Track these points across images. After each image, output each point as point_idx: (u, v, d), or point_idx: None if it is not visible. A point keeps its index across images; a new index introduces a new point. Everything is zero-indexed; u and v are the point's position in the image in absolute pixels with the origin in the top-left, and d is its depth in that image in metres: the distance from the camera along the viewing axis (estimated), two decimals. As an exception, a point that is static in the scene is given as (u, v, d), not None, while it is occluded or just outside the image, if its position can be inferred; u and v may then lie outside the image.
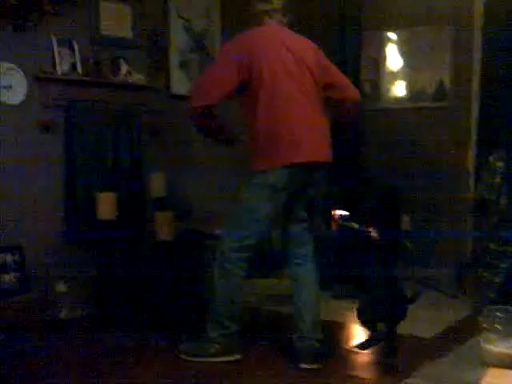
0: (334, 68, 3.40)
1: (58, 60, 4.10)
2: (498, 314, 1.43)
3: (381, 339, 3.30)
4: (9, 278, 3.89)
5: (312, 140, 3.19)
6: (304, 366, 3.23)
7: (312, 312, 3.34)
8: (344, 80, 3.43)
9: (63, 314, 4.10)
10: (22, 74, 3.96)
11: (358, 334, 3.75)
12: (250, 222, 3.25)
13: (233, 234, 3.28)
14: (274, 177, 3.15)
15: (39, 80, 4.04)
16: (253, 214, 3.23)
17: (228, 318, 3.30)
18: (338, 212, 4.77)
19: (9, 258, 3.91)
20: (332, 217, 4.80)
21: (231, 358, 3.32)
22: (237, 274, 3.28)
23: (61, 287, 4.11)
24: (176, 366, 3.32)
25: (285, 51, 3.19)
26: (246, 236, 3.26)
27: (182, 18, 4.90)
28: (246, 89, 3.18)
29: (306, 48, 3.31)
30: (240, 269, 3.28)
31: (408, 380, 1.86)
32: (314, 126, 3.21)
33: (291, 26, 3.37)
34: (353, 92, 3.45)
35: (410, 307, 3.21)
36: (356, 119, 3.53)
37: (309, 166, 3.19)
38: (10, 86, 3.92)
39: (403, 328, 3.84)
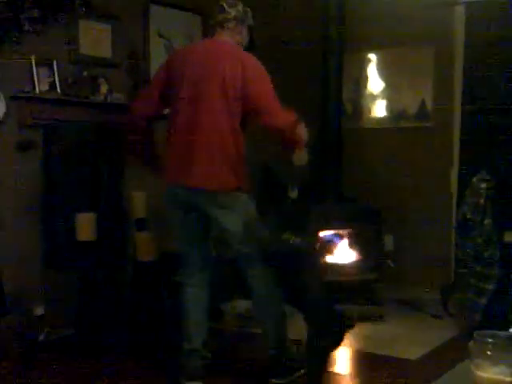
0: (258, 87, 3.23)
1: (36, 79, 4.05)
2: (488, 339, 1.39)
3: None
4: (-15, 301, 3.80)
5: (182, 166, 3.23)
6: None
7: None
8: (263, 103, 3.23)
9: (42, 337, 4.03)
10: (-1, 93, 3.90)
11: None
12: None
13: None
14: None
15: (17, 99, 3.98)
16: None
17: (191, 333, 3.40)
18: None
19: (-15, 280, 3.82)
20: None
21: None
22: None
23: (39, 310, 4.04)
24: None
25: (193, 69, 3.25)
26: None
27: (162, 36, 4.88)
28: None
29: (229, 62, 3.23)
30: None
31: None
32: (200, 154, 3.18)
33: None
34: (273, 119, 3.23)
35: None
36: (286, 142, 3.33)
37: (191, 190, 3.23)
38: (-12, 106, 3.86)
39: (389, 350, 3.83)
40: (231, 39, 3.37)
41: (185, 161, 3.20)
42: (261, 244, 3.25)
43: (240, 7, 3.41)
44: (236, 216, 3.24)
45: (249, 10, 3.47)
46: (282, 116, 3.21)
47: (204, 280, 3.43)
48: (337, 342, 3.08)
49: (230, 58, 3.25)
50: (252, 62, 3.26)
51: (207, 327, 3.48)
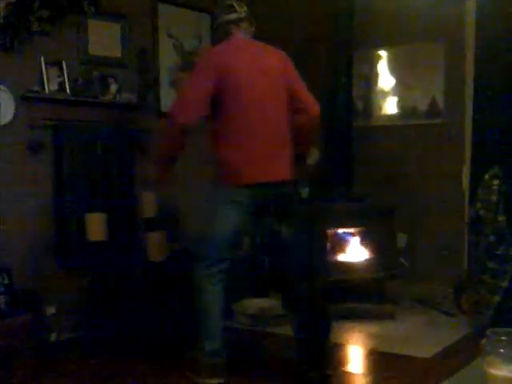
0: (298, 80, 3.38)
1: (46, 80, 4.06)
2: (501, 336, 1.37)
3: None
4: (-3, 301, 3.81)
5: (263, 162, 3.23)
6: None
7: None
8: (304, 93, 3.37)
9: (54, 337, 4.05)
10: (9, 93, 3.91)
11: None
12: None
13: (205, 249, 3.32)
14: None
15: (27, 100, 4.00)
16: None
17: (213, 335, 3.30)
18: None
19: (-3, 280, 3.84)
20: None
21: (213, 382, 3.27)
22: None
23: (51, 310, 4.06)
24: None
25: (250, 64, 3.25)
26: (209, 254, 3.30)
27: (171, 36, 4.88)
28: (216, 107, 3.22)
29: (273, 58, 3.33)
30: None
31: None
32: (270, 149, 3.24)
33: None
34: (309, 104, 3.36)
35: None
36: (313, 137, 3.48)
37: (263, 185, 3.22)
38: (-2, 106, 3.87)
39: (402, 348, 3.81)
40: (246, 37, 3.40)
41: (268, 158, 3.23)
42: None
43: (246, 8, 3.42)
44: None
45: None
46: (318, 107, 3.36)
47: (224, 280, 3.38)
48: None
49: (278, 58, 3.35)
50: (289, 59, 3.38)
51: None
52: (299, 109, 3.34)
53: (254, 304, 4.65)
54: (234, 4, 3.37)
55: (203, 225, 3.35)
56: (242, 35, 3.36)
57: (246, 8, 3.39)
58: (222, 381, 3.27)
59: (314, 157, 3.82)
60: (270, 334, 4.21)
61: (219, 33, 3.43)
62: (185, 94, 3.28)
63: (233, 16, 3.35)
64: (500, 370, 1.36)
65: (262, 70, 3.25)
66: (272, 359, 3.69)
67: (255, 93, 3.21)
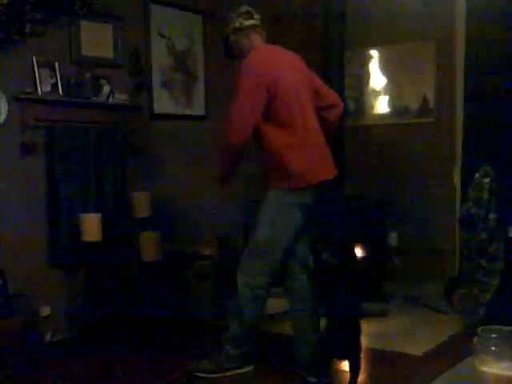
0: (318, 78, 3.55)
1: (38, 81, 4.06)
2: (493, 334, 1.40)
3: None
4: (-9, 302, 3.81)
5: (320, 161, 3.36)
6: None
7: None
8: (328, 89, 3.54)
9: (47, 338, 4.06)
10: (2, 95, 3.90)
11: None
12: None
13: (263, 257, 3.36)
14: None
15: (20, 101, 3.99)
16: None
17: (250, 337, 3.44)
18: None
19: (-10, 282, 3.83)
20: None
21: (245, 370, 3.47)
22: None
23: (45, 310, 4.06)
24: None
25: (291, 71, 3.36)
26: (276, 258, 3.36)
27: (163, 36, 4.88)
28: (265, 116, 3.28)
29: (300, 62, 3.48)
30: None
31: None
32: (320, 148, 3.39)
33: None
34: (337, 98, 3.55)
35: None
36: (335, 129, 3.64)
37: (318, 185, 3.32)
38: (-10, 108, 3.87)
39: (394, 346, 3.83)
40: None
41: (321, 157, 3.37)
42: None
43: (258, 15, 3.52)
44: None
45: None
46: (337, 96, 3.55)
47: None
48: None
49: (299, 59, 3.48)
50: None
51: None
52: (329, 105, 3.47)
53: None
54: (251, 11, 3.47)
55: (262, 232, 3.35)
56: (260, 40, 3.45)
57: (258, 15, 3.49)
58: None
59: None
60: (269, 333, 4.20)
61: (237, 37, 3.44)
62: (240, 117, 3.24)
63: (251, 22, 3.43)
64: (491, 368, 1.38)
65: (297, 72, 3.38)
66: (270, 359, 3.70)
67: (297, 95, 3.31)
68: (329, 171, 3.38)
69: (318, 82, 3.51)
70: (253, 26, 3.43)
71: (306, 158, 3.27)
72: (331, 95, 3.52)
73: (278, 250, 3.32)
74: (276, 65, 3.32)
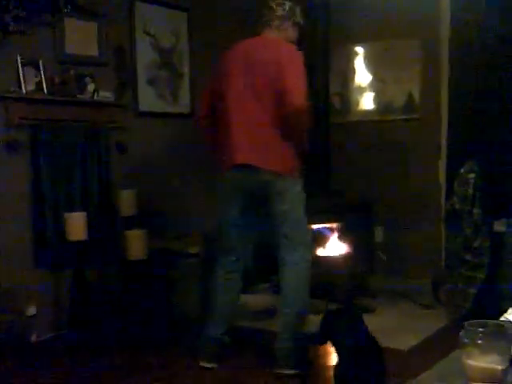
0: (291, 74, 3.38)
1: (22, 79, 4.03)
2: (479, 328, 1.41)
3: None
4: (-24, 302, 3.79)
5: (248, 147, 3.42)
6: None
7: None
8: (289, 86, 3.35)
9: (34, 338, 4.03)
10: (-15, 93, 3.88)
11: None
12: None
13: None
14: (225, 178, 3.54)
15: (4, 100, 3.96)
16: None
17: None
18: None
19: (-24, 282, 3.81)
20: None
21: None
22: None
23: (30, 310, 4.03)
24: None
25: (240, 66, 3.46)
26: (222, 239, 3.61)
27: (148, 34, 4.86)
28: None
29: (268, 52, 3.44)
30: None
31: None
32: (252, 137, 3.42)
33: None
34: (291, 99, 3.33)
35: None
36: (298, 133, 3.50)
37: (247, 169, 3.40)
38: (-26, 106, 3.84)
39: (381, 340, 3.84)
40: (278, 36, 3.53)
41: (241, 146, 3.49)
42: None
43: (287, 6, 3.56)
44: None
45: (297, 8, 3.60)
46: (301, 97, 3.36)
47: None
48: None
49: (274, 52, 3.44)
50: (291, 54, 3.44)
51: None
52: (284, 101, 3.35)
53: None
54: (273, 5, 3.56)
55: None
56: (269, 34, 3.55)
57: (286, 6, 3.57)
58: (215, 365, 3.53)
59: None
60: (259, 330, 4.21)
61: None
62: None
63: (267, 17, 3.56)
64: (478, 361, 1.39)
65: (247, 71, 3.44)
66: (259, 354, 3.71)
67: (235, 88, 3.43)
68: (246, 159, 3.41)
69: (287, 79, 3.36)
70: (266, 22, 3.57)
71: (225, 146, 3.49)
72: (289, 92, 3.34)
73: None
74: (226, 59, 3.59)
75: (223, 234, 3.63)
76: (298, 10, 3.60)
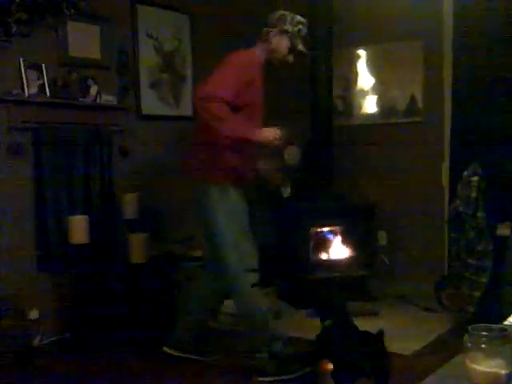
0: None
1: (25, 82, 4.04)
2: (483, 332, 1.39)
3: None
4: (-22, 306, 3.78)
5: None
6: None
7: None
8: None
9: (37, 341, 4.03)
10: (-12, 96, 3.88)
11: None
12: None
13: None
14: None
15: (6, 103, 3.96)
16: None
17: None
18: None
19: (-22, 286, 3.81)
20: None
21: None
22: None
23: (33, 314, 4.03)
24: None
25: None
26: None
27: (150, 37, 4.86)
28: None
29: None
30: None
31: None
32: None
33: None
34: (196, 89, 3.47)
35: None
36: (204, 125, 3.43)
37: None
38: (-23, 109, 3.84)
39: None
40: (260, 48, 3.50)
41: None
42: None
43: (278, 14, 3.50)
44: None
45: (290, 16, 3.51)
46: (206, 88, 3.24)
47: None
48: None
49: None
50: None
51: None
52: None
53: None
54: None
55: None
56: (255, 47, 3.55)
57: (276, 14, 3.56)
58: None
59: (294, 157, 3.82)
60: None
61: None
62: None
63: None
64: (482, 366, 1.38)
65: None
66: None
67: None
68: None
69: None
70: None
71: None
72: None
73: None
74: None
75: None
76: (290, 18, 3.49)
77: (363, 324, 4.24)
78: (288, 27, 3.47)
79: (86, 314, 4.11)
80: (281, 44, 3.48)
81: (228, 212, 3.43)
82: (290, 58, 3.53)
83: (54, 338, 4.16)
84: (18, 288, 3.96)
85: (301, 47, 3.50)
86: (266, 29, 3.49)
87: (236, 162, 3.43)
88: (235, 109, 3.27)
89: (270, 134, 3.33)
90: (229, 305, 4.19)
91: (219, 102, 3.19)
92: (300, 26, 3.50)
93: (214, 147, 3.41)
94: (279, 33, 3.47)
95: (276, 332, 3.54)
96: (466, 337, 1.41)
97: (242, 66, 3.37)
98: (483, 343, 1.39)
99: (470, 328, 1.42)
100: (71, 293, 4.16)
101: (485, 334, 1.40)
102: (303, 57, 3.60)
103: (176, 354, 3.73)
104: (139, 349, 3.95)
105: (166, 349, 3.75)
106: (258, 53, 3.50)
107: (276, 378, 3.39)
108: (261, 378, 3.42)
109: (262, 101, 3.53)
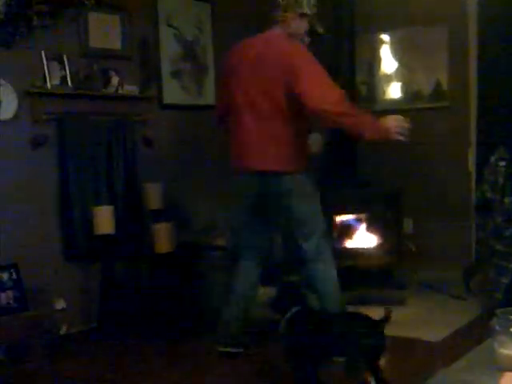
0: (301, 72, 3.26)
1: (47, 74, 4.05)
2: (511, 316, 1.36)
3: None
4: (6, 296, 3.81)
5: (253, 151, 3.39)
6: None
7: None
8: (304, 87, 3.22)
9: (63, 331, 4.07)
10: (11, 89, 3.90)
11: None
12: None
13: None
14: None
15: (30, 95, 3.99)
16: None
17: None
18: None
19: (5, 276, 3.83)
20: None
21: None
22: None
23: (59, 304, 4.06)
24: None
25: (244, 64, 3.40)
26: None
27: (171, 26, 4.85)
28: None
29: (274, 58, 3.33)
30: None
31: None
32: (256, 139, 3.38)
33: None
34: (309, 101, 3.22)
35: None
36: (337, 126, 3.53)
37: (256, 175, 3.39)
38: (0, 102, 3.85)
39: (411, 332, 3.80)
40: (282, 31, 3.42)
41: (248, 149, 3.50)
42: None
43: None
44: None
45: None
46: (317, 99, 3.28)
47: None
48: None
49: (277, 51, 3.36)
50: (296, 52, 3.35)
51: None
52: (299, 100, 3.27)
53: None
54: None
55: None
56: (273, 30, 3.46)
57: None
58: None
59: (317, 144, 3.79)
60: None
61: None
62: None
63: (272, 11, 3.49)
64: (511, 350, 1.35)
65: (252, 70, 3.37)
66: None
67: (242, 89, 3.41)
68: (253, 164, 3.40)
69: (297, 77, 3.25)
70: (272, 17, 3.49)
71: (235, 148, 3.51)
72: (300, 92, 3.23)
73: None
74: (231, 57, 3.57)
75: (239, 233, 3.67)
76: (307, 1, 3.43)
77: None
78: (306, 10, 3.43)
79: (112, 303, 4.13)
80: (301, 28, 3.45)
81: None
82: (307, 40, 3.49)
83: (81, 328, 4.18)
84: (44, 278, 4.00)
85: (320, 29, 3.49)
86: (282, 13, 3.43)
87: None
88: None
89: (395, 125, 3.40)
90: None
91: (344, 101, 3.28)
92: (315, 9, 3.49)
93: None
94: (299, 16, 3.42)
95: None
96: (494, 321, 1.38)
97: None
98: (512, 327, 1.36)
99: (498, 312, 1.39)
100: (97, 283, 4.19)
101: (514, 317, 1.37)
102: (319, 38, 3.56)
103: (234, 351, 3.56)
104: (164, 337, 3.95)
105: (220, 348, 3.57)
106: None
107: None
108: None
109: None
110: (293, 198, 3.37)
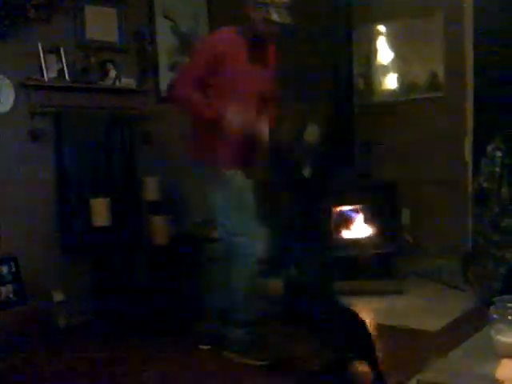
0: None
1: (44, 67, 4.04)
2: (509, 304, 1.37)
3: None
4: (5, 289, 3.82)
5: None
6: None
7: None
8: None
9: (62, 323, 4.06)
10: (8, 82, 3.90)
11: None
12: None
13: None
14: None
15: (26, 87, 3.99)
16: None
17: None
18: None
19: (4, 269, 3.85)
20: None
21: None
22: None
23: (58, 296, 4.07)
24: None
25: None
26: None
27: (168, 18, 4.84)
28: None
29: None
30: None
31: (420, 375, 1.80)
32: None
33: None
34: None
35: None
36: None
37: None
38: (-3, 95, 3.86)
39: (409, 322, 3.82)
40: (241, 25, 3.43)
41: None
42: None
43: None
44: None
45: None
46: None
47: None
48: None
49: None
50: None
51: None
52: None
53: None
54: None
55: None
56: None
57: None
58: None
59: (313, 134, 3.79)
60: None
61: None
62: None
63: None
64: (508, 337, 1.36)
65: None
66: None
67: None
68: None
69: None
70: None
71: None
72: None
73: None
74: None
75: None
76: None
77: (388, 302, 4.29)
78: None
79: (108, 296, 4.14)
80: (257, 16, 3.36)
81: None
82: (266, 28, 3.38)
83: (79, 320, 4.18)
84: (42, 271, 4.01)
85: (275, 17, 3.34)
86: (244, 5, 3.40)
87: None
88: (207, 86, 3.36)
89: (237, 119, 3.31)
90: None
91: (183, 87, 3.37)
92: None
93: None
94: (254, 6, 3.36)
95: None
96: (491, 309, 1.39)
97: (208, 44, 3.48)
98: (509, 314, 1.37)
99: (496, 299, 1.40)
100: (94, 275, 4.19)
101: (511, 305, 1.38)
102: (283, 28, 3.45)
103: (238, 358, 3.44)
104: (163, 332, 3.96)
105: (226, 353, 3.48)
106: (238, 30, 3.43)
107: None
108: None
109: (252, 76, 3.43)
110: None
